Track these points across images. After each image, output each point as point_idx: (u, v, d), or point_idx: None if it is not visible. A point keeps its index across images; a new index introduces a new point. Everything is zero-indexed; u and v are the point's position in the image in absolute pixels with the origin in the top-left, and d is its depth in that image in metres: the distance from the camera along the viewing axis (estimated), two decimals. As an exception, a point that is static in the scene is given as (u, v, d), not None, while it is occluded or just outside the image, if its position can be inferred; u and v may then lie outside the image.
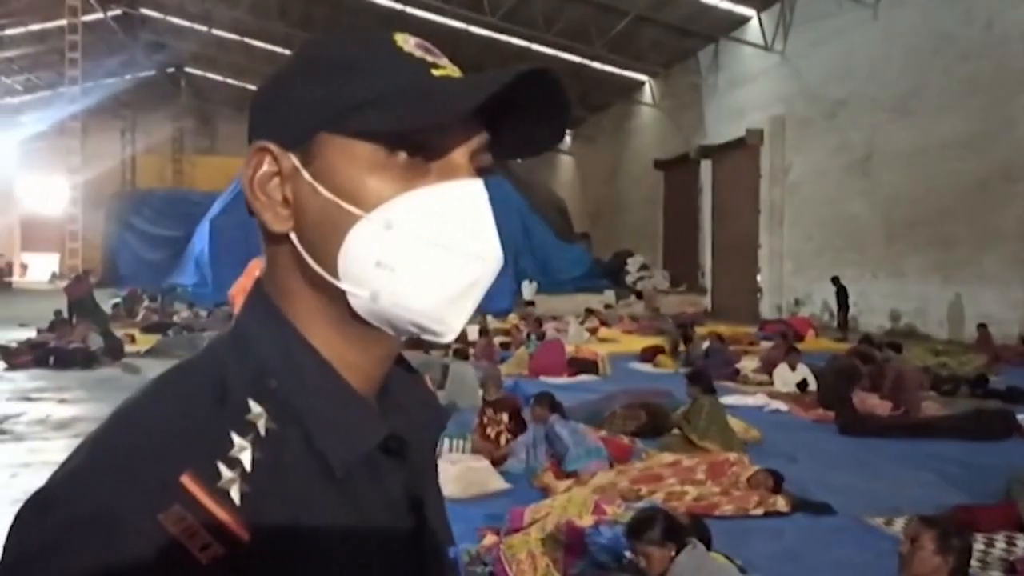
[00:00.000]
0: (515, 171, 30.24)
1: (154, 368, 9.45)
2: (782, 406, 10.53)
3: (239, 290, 6.87)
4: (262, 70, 34.85)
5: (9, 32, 35.99)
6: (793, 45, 24.19)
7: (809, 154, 23.40)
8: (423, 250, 0.73)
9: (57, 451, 7.95)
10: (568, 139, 44.35)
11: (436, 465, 0.93)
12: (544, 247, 27.76)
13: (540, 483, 6.70)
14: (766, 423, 9.26)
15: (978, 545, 5.17)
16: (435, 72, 0.76)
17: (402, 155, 0.73)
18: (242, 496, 0.67)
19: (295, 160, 0.76)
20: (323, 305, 0.77)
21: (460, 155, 0.76)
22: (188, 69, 44.10)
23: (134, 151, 47.47)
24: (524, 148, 0.83)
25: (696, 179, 29.34)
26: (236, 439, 0.69)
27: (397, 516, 0.78)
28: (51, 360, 14.30)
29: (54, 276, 42.09)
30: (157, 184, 41.79)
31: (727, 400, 10.33)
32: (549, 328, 17.61)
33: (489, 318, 20.11)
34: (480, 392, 9.07)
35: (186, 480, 0.65)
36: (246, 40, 36.70)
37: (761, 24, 25.44)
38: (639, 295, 27.44)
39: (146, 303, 24.35)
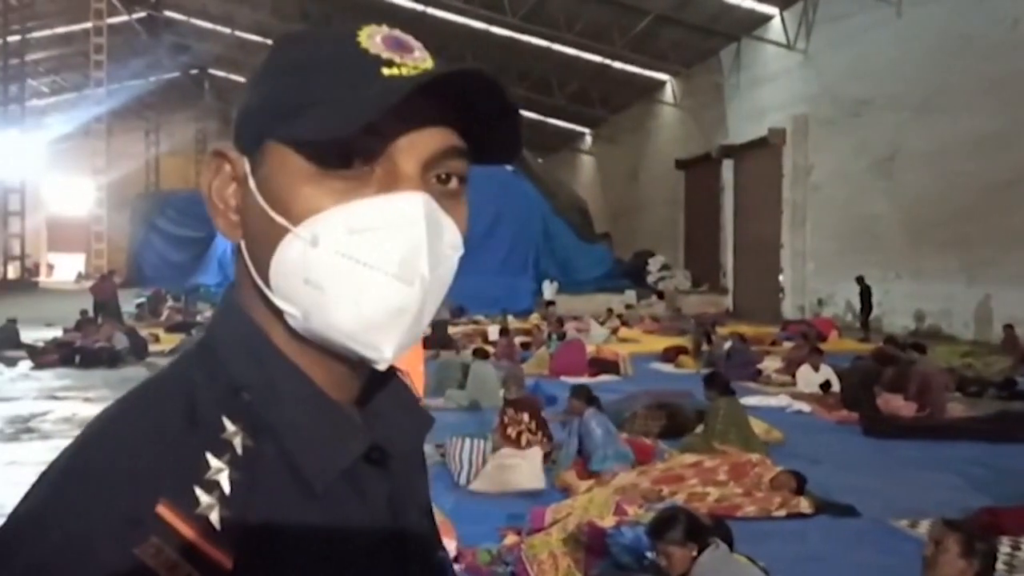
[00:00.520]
0: (536, 171, 30.23)
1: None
2: (805, 407, 10.46)
3: None
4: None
5: (36, 35, 36.40)
6: (816, 44, 24.03)
7: (832, 154, 23.23)
8: (348, 269, 0.68)
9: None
10: (589, 139, 44.32)
11: (424, 469, 0.90)
12: (565, 247, 27.73)
13: (562, 483, 6.71)
14: (789, 424, 9.20)
15: (1004, 548, 5.13)
16: (385, 71, 0.69)
17: (337, 166, 0.68)
18: (222, 521, 0.63)
19: (247, 167, 0.72)
20: (277, 318, 0.73)
21: (408, 164, 0.69)
22: (211, 71, 44.42)
23: (158, 152, 47.91)
24: (497, 154, 0.78)
25: (718, 179, 29.20)
26: (212, 461, 0.65)
27: (380, 527, 0.75)
28: (77, 359, 14.46)
29: (80, 276, 42.50)
30: (180, 185, 42.13)
31: (749, 401, 10.29)
32: (570, 328, 17.60)
33: (510, 318, 20.15)
34: (501, 392, 9.08)
35: (162, 510, 0.61)
36: (268, 42, 36.85)
37: (783, 23, 25.29)
38: (660, 295, 27.35)
39: (170, 303, 24.57)
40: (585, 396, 7.55)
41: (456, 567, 4.90)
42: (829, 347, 15.03)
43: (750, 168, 27.05)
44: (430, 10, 30.56)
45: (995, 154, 17.31)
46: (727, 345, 14.46)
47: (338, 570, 0.70)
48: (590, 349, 14.45)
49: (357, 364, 0.74)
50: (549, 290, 25.49)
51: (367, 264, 0.68)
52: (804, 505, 6.10)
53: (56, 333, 17.26)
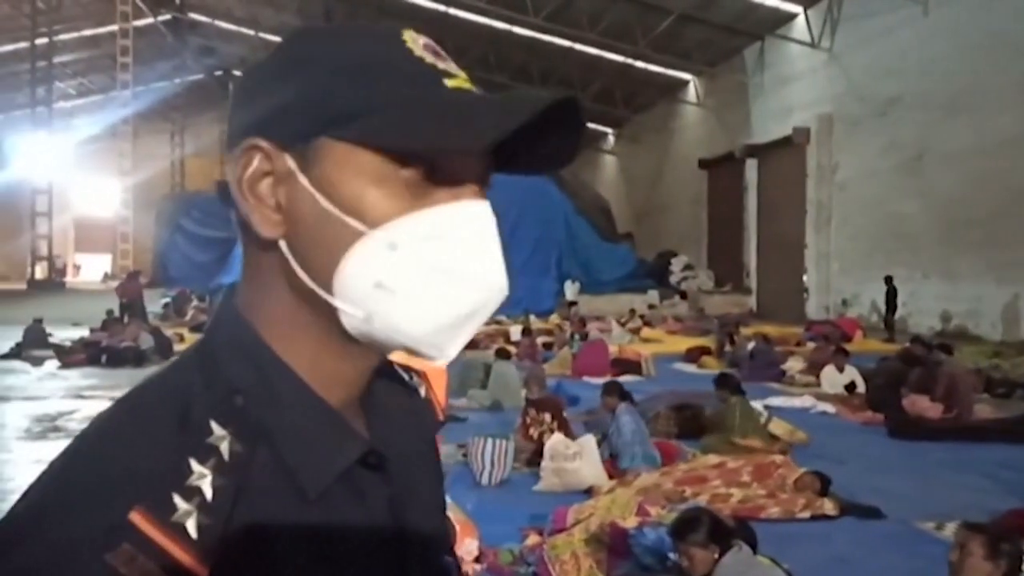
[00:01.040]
0: (559, 172, 30.17)
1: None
2: (829, 408, 10.39)
3: None
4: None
5: (63, 37, 36.78)
6: (841, 42, 23.85)
7: (857, 153, 23.04)
8: (426, 275, 0.69)
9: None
10: (612, 139, 44.24)
11: (434, 470, 0.89)
12: (588, 248, 27.69)
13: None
14: (813, 425, 9.14)
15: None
16: (448, 82, 0.70)
17: (410, 171, 0.68)
18: (200, 528, 0.63)
19: (291, 162, 0.70)
20: (308, 318, 0.72)
21: (470, 174, 0.71)
22: (236, 72, 44.71)
23: (183, 154, 48.29)
24: (534, 166, 0.78)
25: (741, 178, 29.06)
26: (195, 466, 0.65)
27: (379, 531, 0.74)
28: (103, 359, 14.62)
29: (106, 276, 42.96)
30: (205, 186, 42.40)
31: (773, 401, 10.25)
32: (592, 328, 17.57)
33: (532, 318, 20.14)
34: (523, 392, 9.08)
35: (135, 517, 0.61)
36: (293, 44, 37.07)
37: (808, 21, 25.12)
38: (683, 295, 27.26)
39: (195, 303, 24.77)
40: (618, 392, 7.61)
41: (478, 567, 4.91)
42: (854, 348, 14.91)
43: (774, 168, 26.89)
44: (452, 10, 30.61)
45: (1025, 153, 17.12)
46: (750, 346, 14.40)
47: (335, 575, 0.70)
48: (613, 349, 14.44)
49: (367, 367, 0.76)
50: (571, 290, 25.48)
51: (445, 270, 0.69)
52: (828, 507, 6.05)
53: (83, 333, 17.45)
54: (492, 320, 21.00)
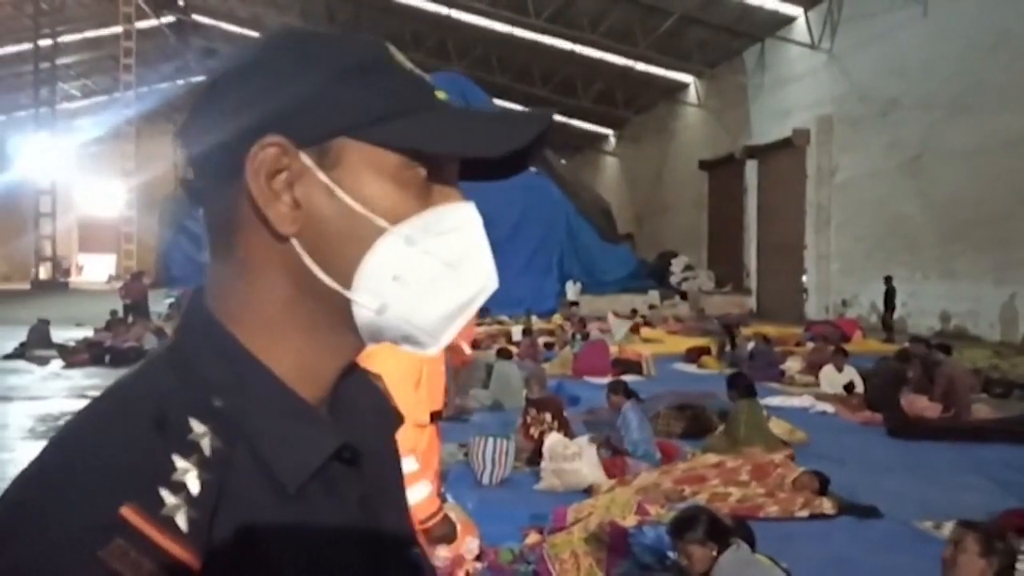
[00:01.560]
0: (560, 173, 30.22)
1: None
2: (828, 408, 10.43)
3: None
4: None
5: (66, 39, 36.84)
6: (841, 44, 23.87)
7: (859, 154, 23.06)
8: (436, 268, 0.75)
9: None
10: (613, 140, 44.24)
11: (397, 467, 0.91)
12: (589, 248, 27.71)
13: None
14: (812, 425, 9.18)
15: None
16: (438, 94, 0.76)
17: (421, 171, 0.74)
18: (189, 522, 0.63)
19: (308, 160, 0.72)
20: (304, 314, 0.75)
21: (453, 176, 0.78)
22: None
23: (186, 154, 48.21)
24: (488, 175, 0.82)
25: (741, 180, 29.08)
26: (179, 462, 0.65)
27: (352, 526, 0.76)
28: (107, 359, 14.68)
29: (110, 277, 42.97)
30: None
31: (771, 401, 10.27)
32: (593, 328, 17.61)
33: (534, 318, 20.17)
34: (524, 392, 9.13)
35: (126, 512, 0.61)
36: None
37: (808, 23, 25.14)
38: (684, 296, 27.27)
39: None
40: (623, 390, 7.65)
41: (478, 565, 4.95)
42: (853, 348, 14.94)
43: (774, 169, 26.92)
44: (454, 12, 30.64)
45: (1024, 154, 17.14)
46: (750, 346, 14.43)
47: (312, 570, 0.71)
48: (613, 350, 14.48)
49: (343, 363, 0.79)
50: (572, 291, 25.51)
51: (450, 264, 0.76)
52: (827, 506, 6.09)
53: (87, 333, 17.48)
54: (494, 320, 21.05)
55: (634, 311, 22.40)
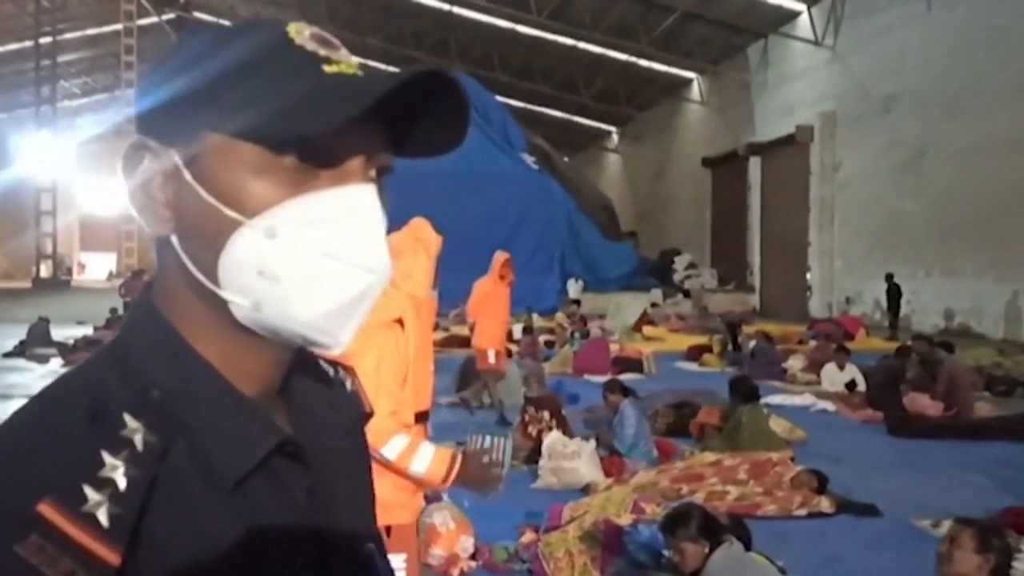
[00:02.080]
0: (562, 170, 30.20)
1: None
2: (829, 406, 10.38)
3: None
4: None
5: (67, 36, 36.88)
6: (844, 40, 23.81)
7: (860, 151, 23.01)
8: (309, 260, 0.70)
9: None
10: (615, 137, 44.21)
11: (363, 462, 0.91)
12: (591, 246, 27.68)
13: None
14: (812, 423, 9.13)
15: (1028, 549, 5.04)
16: (327, 68, 0.70)
17: (289, 158, 0.69)
18: (111, 518, 0.63)
19: (177, 159, 0.71)
20: (209, 311, 0.73)
21: (354, 159, 0.72)
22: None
23: (187, 152, 48.31)
24: (428, 149, 0.79)
25: (744, 177, 29.04)
26: (107, 458, 0.65)
27: (297, 521, 0.75)
28: (106, 357, 14.61)
29: (111, 275, 43.02)
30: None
31: (772, 399, 10.23)
32: (593, 327, 17.57)
33: (535, 316, 20.14)
34: (523, 390, 9.09)
35: (44, 508, 0.61)
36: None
37: (811, 19, 25.09)
38: (686, 294, 27.23)
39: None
40: (620, 388, 7.62)
41: (473, 564, 4.92)
42: (856, 346, 14.91)
43: (777, 166, 26.87)
44: (456, 9, 30.61)
45: (1028, 151, 17.09)
46: (751, 344, 14.38)
47: (252, 565, 0.70)
48: (614, 348, 14.44)
49: (276, 359, 0.76)
50: (574, 288, 25.47)
51: (329, 255, 0.70)
52: (825, 504, 6.05)
53: (87, 331, 17.49)
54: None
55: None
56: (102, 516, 0.63)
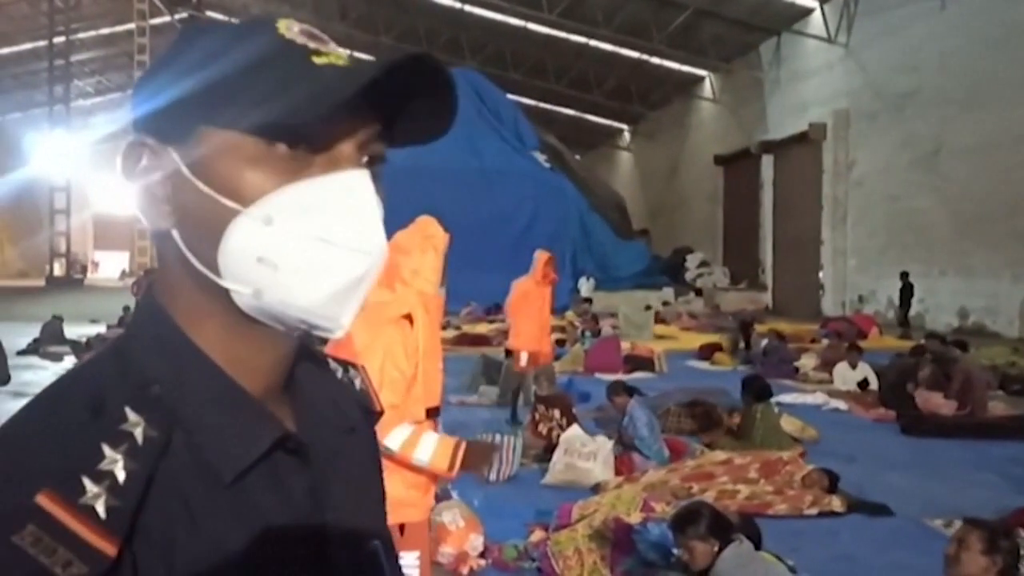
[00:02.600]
0: (574, 168, 30.17)
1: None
2: (842, 405, 10.33)
3: None
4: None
5: (80, 36, 37.09)
6: (857, 37, 23.70)
7: (875, 149, 22.90)
8: (305, 245, 0.71)
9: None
10: (627, 136, 44.13)
11: (367, 458, 0.91)
12: (602, 244, 27.63)
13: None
14: (824, 422, 9.09)
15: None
16: (316, 59, 0.72)
17: (282, 147, 0.71)
18: (109, 510, 0.64)
19: (174, 155, 0.73)
20: (211, 304, 0.75)
21: (346, 145, 0.73)
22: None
23: (200, 151, 48.55)
24: (418, 136, 0.80)
25: (757, 175, 28.94)
26: (107, 451, 0.66)
27: (297, 518, 0.75)
28: (119, 355, 14.68)
29: (124, 273, 43.22)
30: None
31: (785, 398, 10.20)
32: (605, 325, 17.54)
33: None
34: (534, 388, 9.08)
35: (42, 499, 0.62)
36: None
37: (824, 16, 24.98)
38: (699, 292, 27.17)
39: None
40: (623, 390, 7.57)
41: (483, 562, 4.92)
42: (869, 344, 14.83)
43: (790, 164, 26.77)
44: (468, 7, 30.62)
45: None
46: (764, 343, 14.33)
47: (251, 560, 0.71)
48: (625, 346, 14.41)
49: (278, 353, 0.77)
50: (586, 287, 25.43)
51: (325, 239, 0.71)
52: (836, 504, 6.02)
53: (100, 329, 17.55)
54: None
55: (648, 307, 22.29)
56: (100, 508, 0.64)
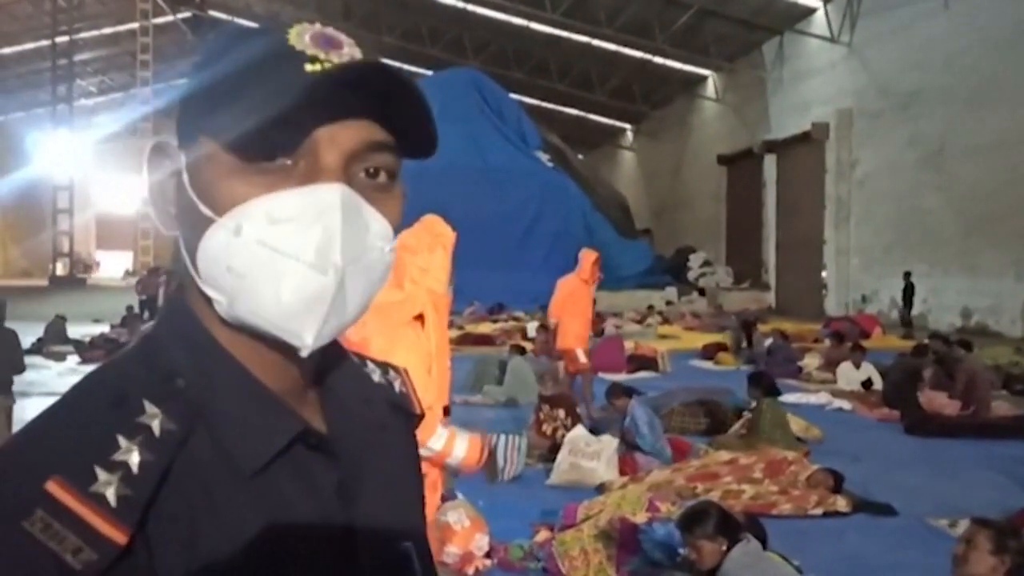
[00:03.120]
0: (577, 168, 30.17)
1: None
2: (846, 404, 10.33)
3: None
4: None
5: (84, 35, 37.09)
6: (860, 37, 23.67)
7: (878, 148, 22.87)
8: (267, 257, 0.70)
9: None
10: (630, 135, 44.10)
11: (403, 460, 0.90)
12: (606, 244, 27.49)
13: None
14: (829, 422, 9.09)
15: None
16: (308, 67, 0.70)
17: (262, 159, 0.70)
18: (120, 499, 0.64)
19: (182, 158, 0.75)
20: (211, 307, 0.75)
21: (329, 157, 0.71)
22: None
23: (203, 151, 48.55)
24: (417, 150, 0.78)
25: (760, 174, 28.92)
26: (122, 442, 0.67)
27: (323, 513, 0.75)
28: (122, 354, 14.69)
29: (127, 273, 43.24)
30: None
31: (789, 398, 10.19)
32: (608, 325, 17.53)
33: (549, 314, 20.11)
34: (538, 388, 9.08)
35: (51, 485, 0.63)
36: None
37: (827, 15, 24.96)
38: (702, 292, 27.16)
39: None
40: (622, 391, 7.55)
41: (488, 562, 4.92)
42: (872, 344, 14.82)
43: (793, 163, 26.75)
44: (471, 7, 30.62)
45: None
46: (768, 342, 14.32)
47: (274, 555, 0.71)
48: (628, 345, 14.40)
49: (282, 354, 0.76)
50: (588, 287, 25.40)
51: (284, 253, 0.70)
52: (841, 503, 6.02)
53: (103, 329, 17.58)
54: (510, 316, 21.04)
55: (650, 307, 22.31)
56: (111, 496, 0.65)
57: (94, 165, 45.32)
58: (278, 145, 0.70)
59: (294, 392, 0.78)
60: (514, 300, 22.38)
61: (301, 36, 0.73)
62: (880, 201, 22.85)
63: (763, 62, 29.12)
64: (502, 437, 7.09)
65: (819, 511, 5.94)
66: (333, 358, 0.83)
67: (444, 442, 2.97)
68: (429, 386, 2.97)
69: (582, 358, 8.89)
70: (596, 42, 31.44)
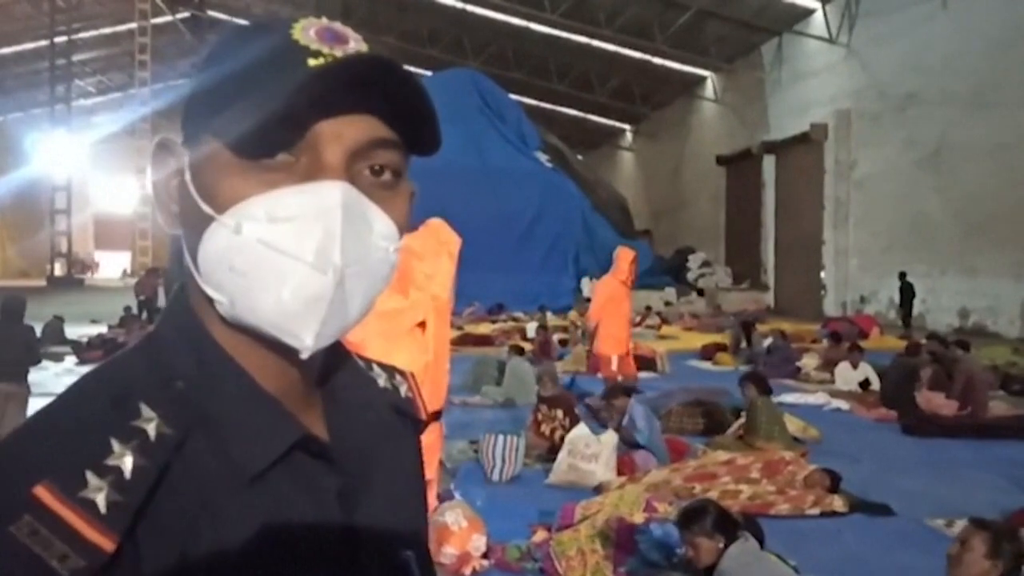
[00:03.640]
0: (577, 169, 30.16)
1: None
2: (843, 405, 10.33)
3: None
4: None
5: (82, 36, 37.08)
6: (859, 38, 23.68)
7: (877, 149, 22.88)
8: (267, 256, 0.69)
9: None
10: (629, 136, 44.10)
11: (406, 466, 0.89)
12: (605, 244, 27.58)
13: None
14: (826, 422, 9.09)
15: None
16: (311, 62, 0.69)
17: (263, 157, 0.69)
18: (110, 505, 0.63)
19: (185, 157, 0.74)
20: (212, 307, 0.74)
21: (331, 154, 0.70)
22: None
23: (202, 151, 48.53)
24: (420, 147, 0.77)
25: (759, 175, 28.91)
26: (116, 446, 0.66)
27: (326, 520, 0.74)
28: (120, 355, 14.67)
29: (125, 273, 43.22)
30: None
31: (787, 398, 10.20)
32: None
33: (549, 314, 20.14)
34: (537, 388, 9.07)
35: (39, 490, 0.62)
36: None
37: (826, 17, 24.97)
38: (700, 292, 27.14)
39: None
40: (622, 390, 7.54)
41: (485, 562, 4.91)
42: (871, 345, 14.83)
43: (792, 164, 26.76)
44: (470, 7, 30.62)
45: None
46: (767, 342, 14.33)
47: (272, 557, 0.70)
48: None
49: (282, 358, 0.75)
50: (588, 287, 25.41)
51: (284, 252, 0.69)
52: (838, 504, 6.02)
53: (101, 330, 17.55)
54: (509, 317, 21.04)
55: (648, 308, 22.30)
56: (101, 502, 0.63)
57: (92, 165, 45.30)
58: (279, 141, 0.69)
59: (296, 395, 0.77)
60: (514, 301, 22.39)
61: (305, 31, 0.71)
62: (878, 202, 22.86)
63: (762, 63, 29.13)
64: (500, 437, 7.10)
65: (816, 511, 5.94)
66: (337, 361, 0.82)
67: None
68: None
69: (614, 365, 8.79)
70: (596, 43, 31.44)
